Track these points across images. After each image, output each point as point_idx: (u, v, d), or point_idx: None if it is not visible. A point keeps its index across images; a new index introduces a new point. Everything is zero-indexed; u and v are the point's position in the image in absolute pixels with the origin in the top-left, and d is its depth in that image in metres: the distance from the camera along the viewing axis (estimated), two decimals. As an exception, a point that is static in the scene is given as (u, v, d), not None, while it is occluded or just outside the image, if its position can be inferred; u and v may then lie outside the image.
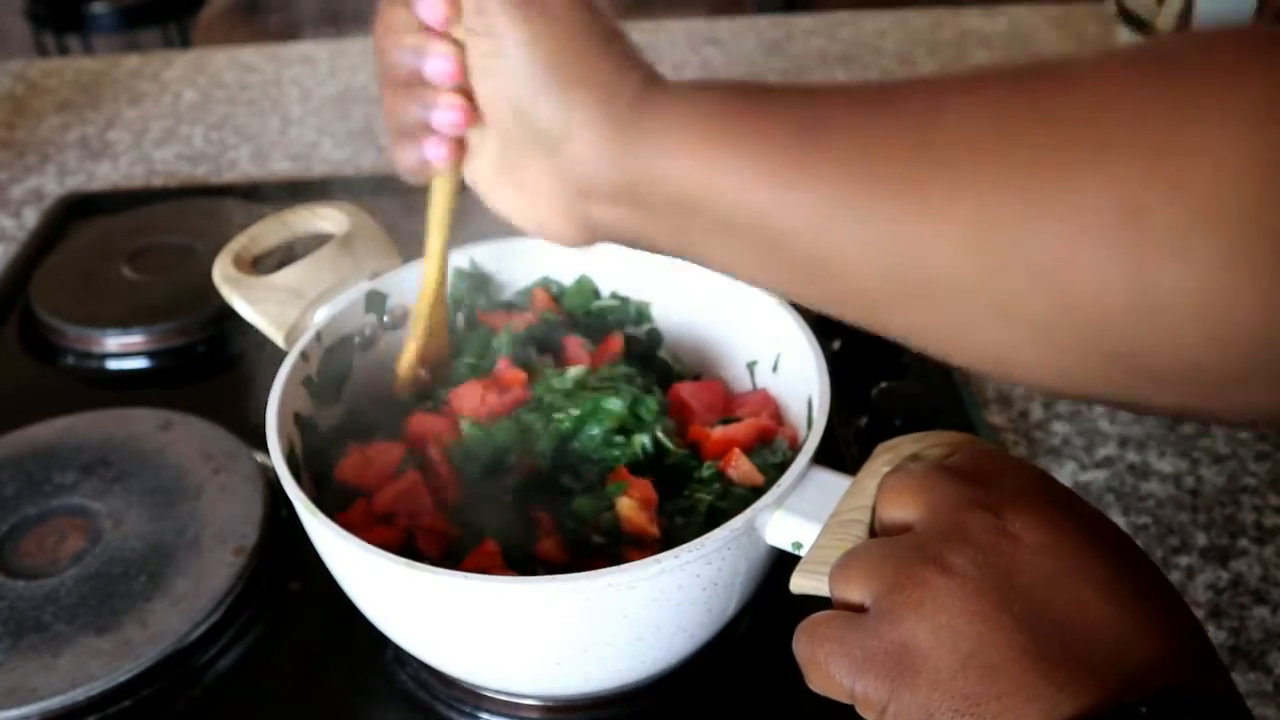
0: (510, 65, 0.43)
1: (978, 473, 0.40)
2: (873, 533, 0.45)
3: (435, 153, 0.48)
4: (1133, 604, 0.35)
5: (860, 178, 0.36)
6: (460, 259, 0.64)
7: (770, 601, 0.59)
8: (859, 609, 0.39)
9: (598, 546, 0.51)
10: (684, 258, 0.43)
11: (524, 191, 0.46)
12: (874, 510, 0.44)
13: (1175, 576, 0.63)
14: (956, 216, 0.34)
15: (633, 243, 0.45)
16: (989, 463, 0.41)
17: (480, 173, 0.49)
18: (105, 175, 1.06)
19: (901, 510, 0.40)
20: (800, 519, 0.47)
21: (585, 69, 0.42)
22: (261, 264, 0.62)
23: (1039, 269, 0.32)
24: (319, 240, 0.63)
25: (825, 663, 0.38)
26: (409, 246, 0.64)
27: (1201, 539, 0.65)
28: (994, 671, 0.34)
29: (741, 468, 0.54)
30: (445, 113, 0.46)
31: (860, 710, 0.38)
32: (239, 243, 0.62)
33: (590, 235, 0.46)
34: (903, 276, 0.36)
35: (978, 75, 0.35)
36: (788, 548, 0.48)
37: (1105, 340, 0.32)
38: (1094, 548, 0.36)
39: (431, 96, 0.47)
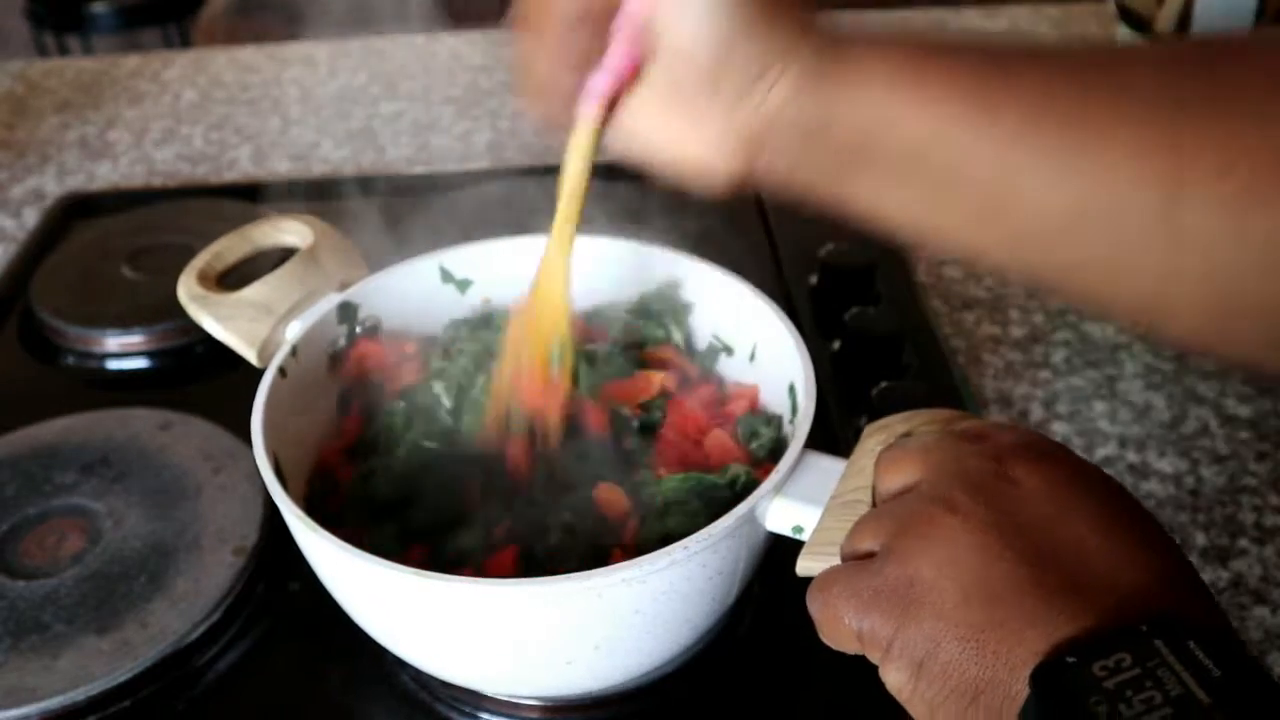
0: (709, 4, 0.43)
1: (974, 434, 0.42)
2: None
3: (597, 89, 0.46)
4: (1126, 539, 0.36)
5: (1045, 112, 0.39)
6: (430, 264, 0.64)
7: (770, 602, 0.60)
8: (869, 557, 0.40)
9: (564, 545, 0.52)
10: (841, 201, 0.45)
11: (688, 131, 0.46)
12: (874, 489, 0.45)
13: (1175, 576, 0.63)
14: (1143, 144, 0.37)
15: (791, 183, 0.46)
16: (983, 428, 0.43)
17: (640, 113, 0.47)
18: (105, 175, 1.06)
19: (902, 477, 0.42)
20: (800, 503, 0.48)
21: (782, 9, 0.43)
22: (226, 280, 0.62)
23: (1215, 198, 0.36)
24: (285, 254, 0.63)
25: (834, 605, 0.39)
26: (381, 254, 0.64)
27: (1201, 539, 0.65)
28: (996, 600, 0.35)
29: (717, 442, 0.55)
30: (620, 52, 0.45)
31: (867, 651, 0.39)
32: (202, 259, 0.62)
33: (750, 174, 0.46)
34: (1085, 206, 0.39)
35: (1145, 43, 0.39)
36: (788, 532, 0.49)
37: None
38: (1089, 491, 0.38)
39: (604, 34, 0.45)
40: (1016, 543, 0.36)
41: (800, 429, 0.50)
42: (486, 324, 0.64)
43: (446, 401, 0.58)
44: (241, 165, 1.07)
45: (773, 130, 0.44)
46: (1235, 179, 0.36)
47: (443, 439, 0.57)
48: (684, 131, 0.46)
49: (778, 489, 0.48)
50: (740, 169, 0.46)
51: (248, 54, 1.28)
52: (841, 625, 0.39)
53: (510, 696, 0.55)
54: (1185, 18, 0.80)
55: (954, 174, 0.41)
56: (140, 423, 0.71)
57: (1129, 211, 0.38)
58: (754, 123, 0.44)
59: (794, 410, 0.55)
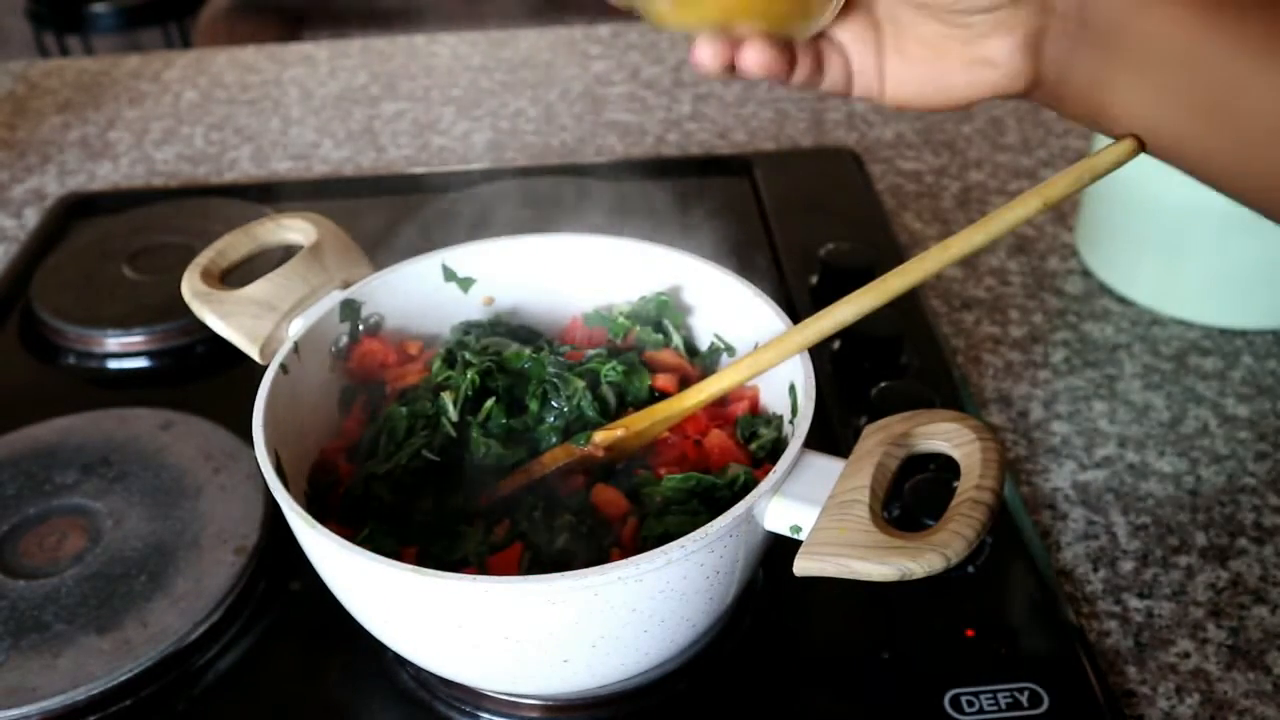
0: None
1: None
2: (873, 513, 0.45)
3: None
4: None
5: None
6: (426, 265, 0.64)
7: (770, 602, 0.60)
8: None
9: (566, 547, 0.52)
10: (1098, 105, 0.47)
11: (965, 49, 0.48)
12: (872, 490, 0.45)
13: (1175, 576, 0.63)
14: None
15: (1062, 86, 0.47)
16: None
17: (912, 55, 0.50)
18: (106, 175, 1.06)
19: None
20: (798, 503, 0.48)
21: None
22: (230, 278, 0.62)
23: None
24: (288, 251, 0.63)
25: None
26: (385, 252, 0.64)
27: (1201, 539, 0.65)
28: None
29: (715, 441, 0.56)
30: None
31: None
32: (205, 257, 0.62)
33: (1034, 78, 0.48)
34: None
35: None
36: (786, 532, 0.49)
37: None
38: None
39: None
40: None
41: (799, 429, 0.51)
42: (493, 329, 0.64)
43: (452, 414, 0.58)
44: (242, 165, 1.07)
45: (1047, 20, 0.46)
46: None
47: (446, 452, 0.57)
48: (962, 52, 0.49)
49: (776, 488, 0.48)
50: (1028, 72, 0.48)
51: (248, 54, 1.28)
52: None
53: (509, 695, 0.55)
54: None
55: (1190, 70, 0.43)
56: (140, 423, 0.71)
57: None
58: (1032, 19, 0.46)
59: (794, 410, 0.55)
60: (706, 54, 0.48)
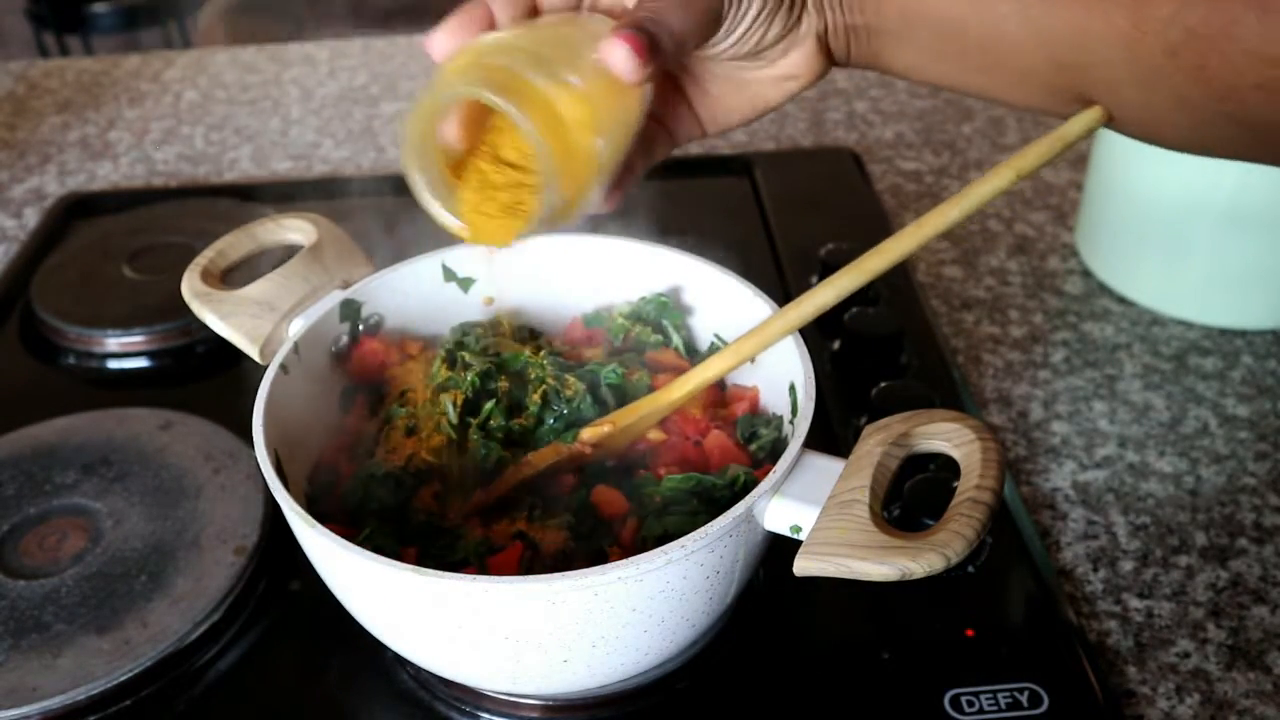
0: None
1: None
2: (873, 513, 0.45)
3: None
4: None
5: None
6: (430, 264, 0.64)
7: (771, 602, 0.60)
8: None
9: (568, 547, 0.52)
10: (883, 64, 0.55)
11: (763, 73, 0.54)
12: (872, 490, 0.45)
13: (1175, 576, 0.63)
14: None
15: (850, 63, 0.56)
16: None
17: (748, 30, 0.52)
18: (106, 175, 1.06)
19: None
20: (798, 503, 0.48)
21: None
22: (230, 278, 0.62)
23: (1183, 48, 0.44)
24: (288, 251, 0.63)
25: None
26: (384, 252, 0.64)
27: (1201, 539, 0.65)
28: None
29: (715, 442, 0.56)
30: None
31: None
32: (205, 257, 0.62)
33: (828, 64, 0.55)
34: (1061, 57, 0.48)
35: None
36: (786, 532, 0.49)
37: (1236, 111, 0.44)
38: None
39: None
40: None
41: (799, 429, 0.50)
42: (493, 330, 0.63)
43: (452, 416, 0.58)
44: (242, 165, 1.07)
45: (827, 16, 0.53)
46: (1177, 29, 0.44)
47: (446, 453, 0.57)
48: (764, 76, 0.54)
49: (776, 488, 0.48)
50: (824, 65, 0.55)
51: (248, 54, 1.28)
52: None
53: (509, 695, 0.55)
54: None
55: (958, 30, 0.51)
56: (140, 423, 0.71)
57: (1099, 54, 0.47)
58: (814, 24, 0.53)
59: (794, 410, 0.55)
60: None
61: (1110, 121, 0.49)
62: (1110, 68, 0.47)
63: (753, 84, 0.55)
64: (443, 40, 0.49)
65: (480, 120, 0.50)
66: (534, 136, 0.45)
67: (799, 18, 0.53)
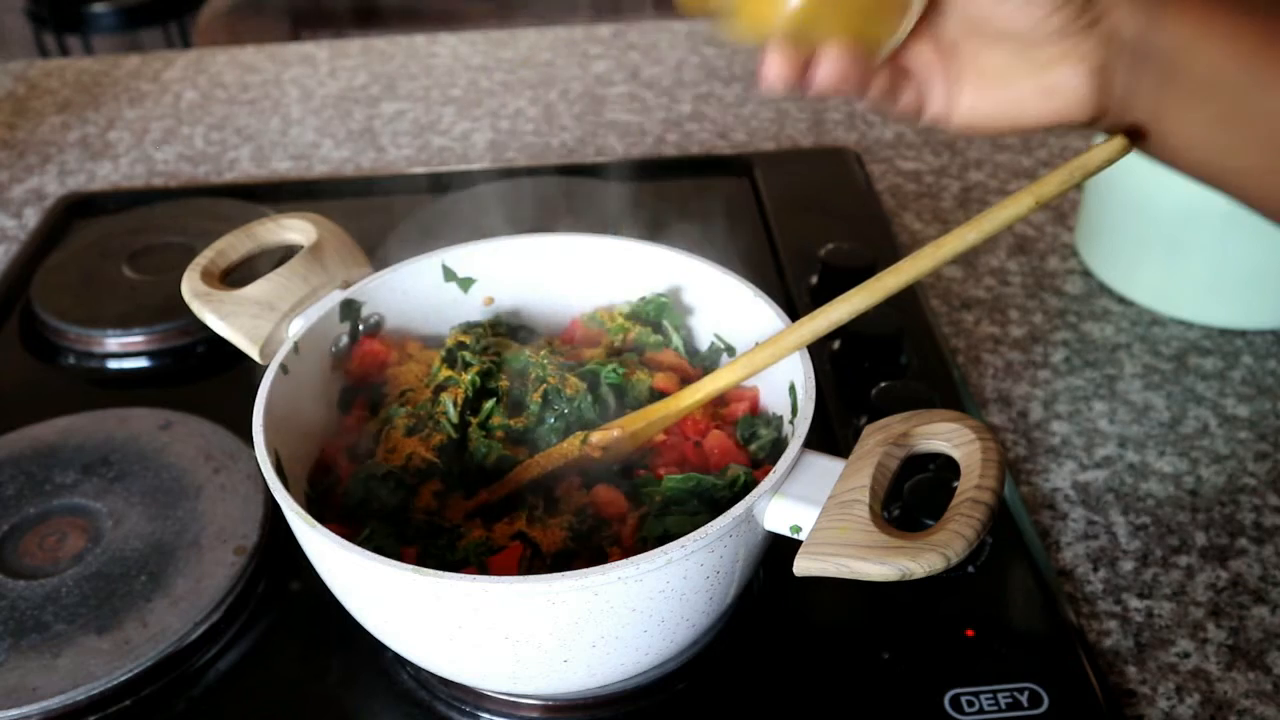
0: None
1: None
2: (873, 513, 0.45)
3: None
4: None
5: None
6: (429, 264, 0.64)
7: (771, 601, 0.60)
8: None
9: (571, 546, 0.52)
10: (1161, 134, 0.47)
11: (1033, 78, 0.48)
12: (872, 490, 0.45)
13: (1175, 576, 0.63)
14: None
15: (1127, 121, 0.48)
16: None
17: (982, 82, 0.50)
18: (106, 175, 1.06)
19: None
20: (798, 503, 0.48)
21: None
22: (230, 278, 0.62)
23: None
24: (288, 251, 0.63)
25: None
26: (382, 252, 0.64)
27: (1201, 539, 0.65)
28: None
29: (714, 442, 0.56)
30: None
31: None
32: (205, 257, 0.62)
33: (1103, 106, 0.48)
34: None
35: None
36: (786, 532, 0.49)
37: None
38: None
39: None
40: None
41: (799, 429, 0.51)
42: (493, 329, 0.64)
43: (453, 415, 0.58)
44: (242, 165, 1.07)
45: (1114, 50, 0.46)
46: None
47: (446, 452, 0.57)
48: (1029, 80, 0.49)
49: (776, 489, 0.48)
50: (1095, 102, 0.48)
51: (248, 54, 1.28)
52: None
53: (509, 695, 0.55)
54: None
55: (1245, 103, 0.44)
56: (140, 423, 0.71)
57: None
58: (1107, 51, 0.46)
59: (794, 410, 0.55)
60: (776, 66, 0.47)
61: (1134, 147, 0.48)
62: None
63: (1016, 85, 0.50)
64: None
65: None
66: None
67: (1091, 21, 0.47)
